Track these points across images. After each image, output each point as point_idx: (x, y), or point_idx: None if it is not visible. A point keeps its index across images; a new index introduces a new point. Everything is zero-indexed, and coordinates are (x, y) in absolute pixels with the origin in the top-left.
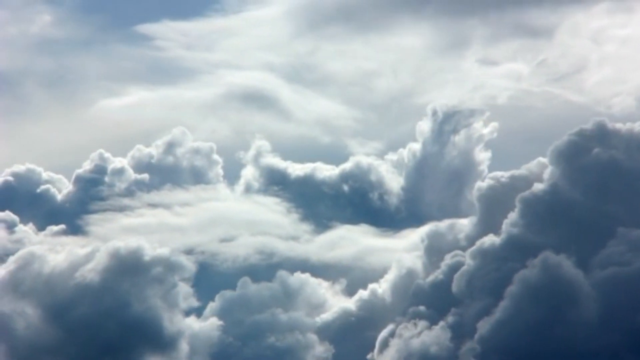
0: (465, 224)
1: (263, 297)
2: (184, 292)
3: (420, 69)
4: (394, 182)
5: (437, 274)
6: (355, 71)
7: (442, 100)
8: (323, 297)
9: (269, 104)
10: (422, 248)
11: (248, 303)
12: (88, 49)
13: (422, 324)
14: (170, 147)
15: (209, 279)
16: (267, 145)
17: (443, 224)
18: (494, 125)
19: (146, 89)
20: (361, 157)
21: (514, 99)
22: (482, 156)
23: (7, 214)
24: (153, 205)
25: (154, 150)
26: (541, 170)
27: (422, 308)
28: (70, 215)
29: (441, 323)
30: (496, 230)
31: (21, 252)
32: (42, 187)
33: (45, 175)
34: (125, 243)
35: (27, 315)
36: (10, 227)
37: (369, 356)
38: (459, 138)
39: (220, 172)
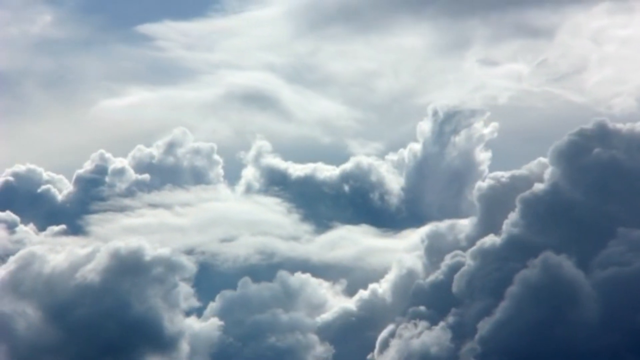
0: (465, 224)
1: (263, 298)
2: (185, 292)
3: (421, 69)
4: (395, 183)
5: (438, 274)
6: (356, 71)
7: (443, 101)
8: (323, 298)
9: (270, 104)
10: (423, 248)
11: (248, 303)
12: (89, 49)
13: (422, 324)
14: (170, 147)
15: (210, 279)
16: (267, 145)
17: (443, 224)
18: (494, 125)
19: (147, 89)
20: (362, 157)
21: (514, 99)
22: (483, 156)
23: (8, 214)
24: (154, 206)
25: (155, 151)
26: (542, 170)
27: (422, 308)
28: (70, 216)
29: (441, 323)
30: (496, 231)
31: (22, 252)
32: (43, 187)
33: (45, 175)
34: (125, 243)
35: (27, 316)
36: (11, 227)
37: (369, 356)
38: (459, 138)
39: (221, 172)
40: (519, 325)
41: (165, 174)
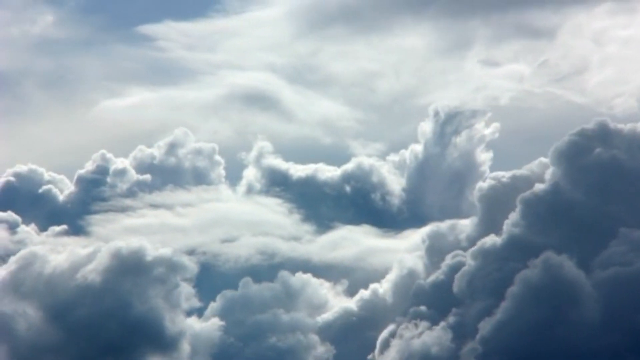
0: (466, 225)
1: (264, 298)
2: (186, 292)
3: (422, 69)
4: (396, 183)
5: (438, 274)
6: (357, 72)
7: (444, 101)
8: (324, 298)
9: (271, 104)
10: (424, 248)
11: (249, 303)
12: (90, 49)
13: (423, 324)
14: (172, 147)
15: (211, 279)
16: (269, 146)
17: (444, 225)
18: (495, 125)
19: (148, 90)
20: (363, 158)
21: (515, 100)
22: (484, 157)
23: (9, 214)
24: (155, 206)
25: (156, 151)
26: (542, 170)
27: (423, 308)
28: (72, 216)
29: (442, 323)
30: (497, 231)
31: (23, 252)
32: (44, 187)
33: (47, 175)
34: (127, 243)
35: (28, 316)
36: (12, 227)
37: (369, 356)
38: (460, 139)
39: (222, 172)
40: (520, 326)
41: (166, 175)
